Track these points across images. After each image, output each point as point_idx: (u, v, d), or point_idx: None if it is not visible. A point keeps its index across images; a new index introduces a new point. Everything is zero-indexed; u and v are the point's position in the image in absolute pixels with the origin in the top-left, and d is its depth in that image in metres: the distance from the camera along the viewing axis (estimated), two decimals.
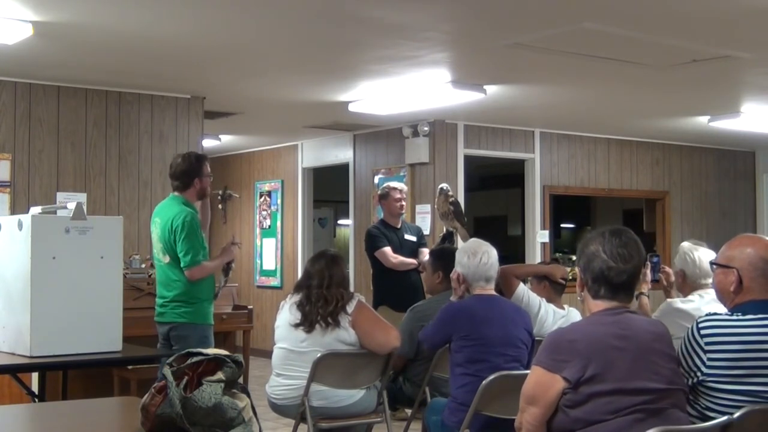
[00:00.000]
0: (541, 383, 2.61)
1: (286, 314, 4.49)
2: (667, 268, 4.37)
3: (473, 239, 4.45)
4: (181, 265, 4.91)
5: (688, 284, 4.10)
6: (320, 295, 4.41)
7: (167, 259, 5.00)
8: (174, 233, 4.92)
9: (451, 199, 6.34)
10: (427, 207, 8.45)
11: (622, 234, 2.71)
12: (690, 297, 4.04)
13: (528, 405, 2.65)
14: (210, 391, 2.24)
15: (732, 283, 2.83)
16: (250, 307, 7.22)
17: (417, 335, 4.77)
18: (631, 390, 2.56)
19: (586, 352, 2.57)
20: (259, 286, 10.74)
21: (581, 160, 9.69)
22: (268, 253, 10.62)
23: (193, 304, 4.96)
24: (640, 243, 2.74)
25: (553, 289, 4.75)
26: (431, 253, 5.34)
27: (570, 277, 4.80)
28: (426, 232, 7.55)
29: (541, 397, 2.61)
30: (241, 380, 2.38)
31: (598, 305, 2.71)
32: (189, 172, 5.06)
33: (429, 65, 6.17)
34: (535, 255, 9.20)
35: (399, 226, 6.81)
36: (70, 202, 4.13)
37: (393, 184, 7.13)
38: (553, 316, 4.55)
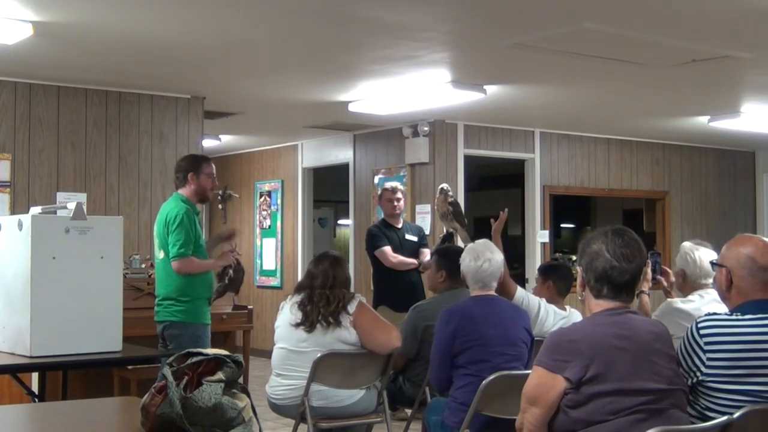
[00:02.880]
0: (543, 384, 2.61)
1: (287, 314, 4.48)
2: (667, 269, 4.37)
3: (483, 241, 4.33)
4: (169, 256, 4.91)
5: (688, 284, 4.10)
6: (323, 294, 4.41)
7: (162, 254, 5.01)
8: (167, 227, 4.93)
9: (450, 200, 6.32)
10: (427, 207, 8.45)
11: (624, 233, 2.72)
12: (690, 297, 4.04)
13: (529, 405, 2.65)
14: (210, 391, 2.24)
15: (724, 282, 2.86)
16: (250, 307, 7.22)
17: (419, 334, 4.78)
18: (632, 390, 2.56)
19: (587, 352, 2.57)
20: (259, 286, 10.73)
21: (581, 160, 9.68)
22: (268, 253, 10.62)
23: (186, 303, 4.93)
24: (642, 243, 2.75)
25: (557, 289, 4.77)
26: (435, 252, 5.33)
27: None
28: (426, 232, 7.55)
29: (542, 398, 2.61)
30: (241, 380, 2.38)
31: (600, 305, 2.71)
32: (184, 167, 5.11)
33: (429, 65, 6.17)
34: (535, 255, 9.20)
35: (400, 226, 6.80)
36: (70, 202, 4.12)
37: (388, 183, 7.13)
38: (554, 317, 4.56)
